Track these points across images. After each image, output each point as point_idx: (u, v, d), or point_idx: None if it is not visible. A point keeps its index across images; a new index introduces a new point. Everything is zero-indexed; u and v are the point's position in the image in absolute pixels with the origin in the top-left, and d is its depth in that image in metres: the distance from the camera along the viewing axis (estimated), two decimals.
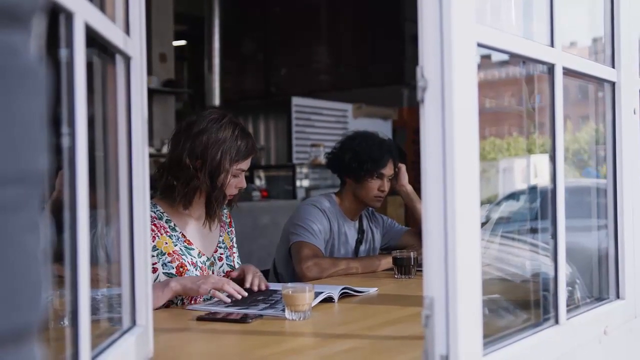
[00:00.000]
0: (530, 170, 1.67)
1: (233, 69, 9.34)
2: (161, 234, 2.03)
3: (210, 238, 2.16)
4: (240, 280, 2.10)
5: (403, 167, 2.78)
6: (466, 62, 1.05)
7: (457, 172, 1.01)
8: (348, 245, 2.72)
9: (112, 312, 1.25)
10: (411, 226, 2.97)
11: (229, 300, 1.84)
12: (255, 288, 2.03)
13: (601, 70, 1.62)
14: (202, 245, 2.12)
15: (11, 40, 0.54)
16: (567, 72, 1.40)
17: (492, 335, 1.17)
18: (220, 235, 2.20)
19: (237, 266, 2.23)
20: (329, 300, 1.89)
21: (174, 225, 2.07)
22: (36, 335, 0.57)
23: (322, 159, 6.45)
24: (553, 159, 1.37)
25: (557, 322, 1.35)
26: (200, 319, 1.70)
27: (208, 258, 2.12)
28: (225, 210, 2.26)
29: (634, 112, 1.70)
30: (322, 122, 7.42)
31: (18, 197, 0.54)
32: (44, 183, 0.58)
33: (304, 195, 6.42)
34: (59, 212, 0.87)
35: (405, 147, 7.15)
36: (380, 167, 2.64)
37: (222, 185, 2.04)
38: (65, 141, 0.84)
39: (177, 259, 2.02)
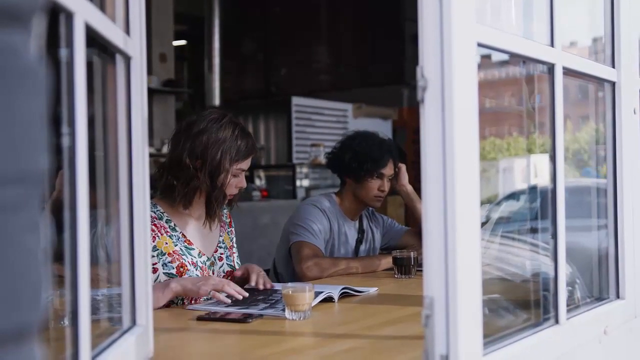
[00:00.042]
0: (530, 170, 1.67)
1: (233, 68, 9.34)
2: (161, 234, 2.03)
3: (210, 238, 2.16)
4: (243, 280, 2.10)
5: (403, 167, 2.78)
6: (466, 62, 1.05)
7: (457, 172, 1.01)
8: (348, 245, 2.72)
9: (112, 311, 1.25)
10: (411, 226, 2.97)
11: (229, 301, 1.84)
12: (261, 287, 2.03)
13: (601, 70, 1.62)
14: (202, 245, 2.12)
15: (11, 40, 0.54)
16: (567, 71, 1.40)
17: (492, 335, 1.17)
18: (220, 235, 2.20)
19: (237, 266, 2.23)
20: (329, 300, 1.89)
21: (174, 225, 2.07)
22: (36, 335, 0.57)
23: (322, 159, 6.45)
24: (553, 158, 1.37)
25: (557, 321, 1.35)
26: (200, 318, 1.70)
27: (208, 258, 2.12)
28: (225, 210, 2.26)
29: (634, 112, 1.70)
30: (322, 122, 7.42)
31: (18, 197, 0.54)
32: (44, 183, 0.58)
33: (304, 195, 6.42)
34: (59, 212, 0.87)
35: (405, 147, 7.15)
36: (381, 167, 2.64)
37: (222, 185, 2.04)
38: (65, 141, 0.84)
39: (177, 259, 2.02)
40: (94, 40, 0.97)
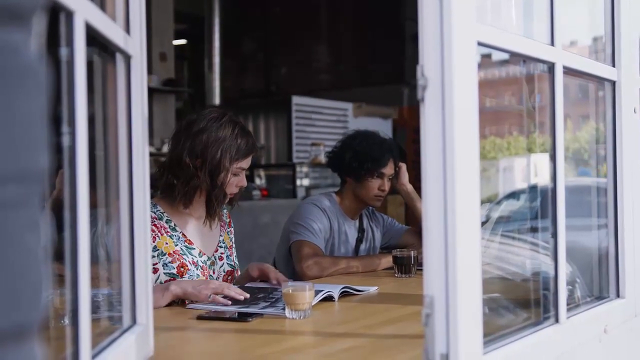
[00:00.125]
0: (530, 169, 1.67)
1: (233, 68, 9.35)
2: (161, 234, 2.03)
3: (210, 238, 2.16)
4: (250, 280, 2.11)
5: (403, 166, 2.78)
6: (466, 61, 1.05)
7: (457, 171, 1.01)
8: (348, 244, 2.72)
9: (112, 310, 1.25)
10: (411, 225, 2.97)
11: (229, 303, 1.84)
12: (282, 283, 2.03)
13: (601, 69, 1.62)
14: (203, 245, 2.12)
15: (12, 38, 0.54)
16: (568, 71, 1.40)
17: (493, 334, 1.17)
18: (221, 235, 2.20)
19: (235, 266, 2.23)
20: (329, 299, 1.90)
21: (174, 225, 2.07)
22: (37, 334, 0.57)
23: (323, 158, 6.45)
24: (553, 158, 1.37)
25: (557, 320, 1.35)
26: (200, 317, 1.71)
27: (209, 257, 2.12)
28: (225, 210, 2.26)
29: (634, 111, 1.70)
30: (323, 121, 7.42)
31: (18, 196, 0.54)
32: (45, 182, 0.58)
33: (304, 194, 6.42)
34: (60, 211, 0.87)
35: (406, 146, 7.15)
36: (381, 166, 2.64)
37: (222, 184, 2.04)
38: (65, 140, 0.84)
39: (177, 259, 2.02)
40: (94, 39, 0.97)
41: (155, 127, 6.85)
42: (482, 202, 1.13)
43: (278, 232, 2.83)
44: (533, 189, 1.64)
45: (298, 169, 6.61)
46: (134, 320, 1.20)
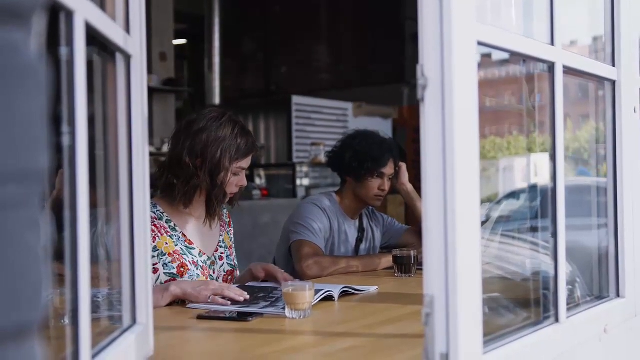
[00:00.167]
0: (530, 169, 1.67)
1: (233, 67, 9.35)
2: (161, 235, 2.03)
3: (210, 237, 2.16)
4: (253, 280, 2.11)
5: (403, 165, 2.78)
6: (466, 61, 1.05)
7: (457, 170, 1.01)
8: (348, 243, 2.72)
9: (112, 310, 1.25)
10: (411, 225, 2.97)
11: (229, 303, 1.84)
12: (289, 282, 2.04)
13: (601, 69, 1.62)
14: (203, 245, 2.12)
15: (12, 38, 0.54)
16: (568, 70, 1.40)
17: (493, 334, 1.17)
18: (221, 235, 2.20)
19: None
20: (329, 298, 1.90)
21: (174, 225, 2.07)
22: (37, 333, 0.57)
23: (323, 158, 6.45)
24: (553, 157, 1.37)
25: (557, 320, 1.35)
26: (200, 317, 1.71)
27: (209, 257, 2.12)
28: (225, 210, 2.26)
29: (634, 111, 1.70)
30: (323, 121, 7.42)
31: (18, 195, 0.54)
32: (45, 181, 0.58)
33: (304, 194, 6.42)
34: (60, 211, 0.87)
35: (406, 146, 7.15)
36: (381, 166, 2.64)
37: (222, 183, 2.04)
38: (65, 140, 0.84)
39: (177, 259, 2.02)
40: (94, 38, 0.97)
41: (155, 127, 6.86)
42: (482, 202, 1.13)
43: (278, 231, 2.83)
44: (533, 188, 1.64)
45: (298, 168, 6.61)
46: (134, 320, 1.20)
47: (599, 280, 1.70)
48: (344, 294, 1.98)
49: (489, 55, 1.30)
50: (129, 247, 1.18)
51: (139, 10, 1.20)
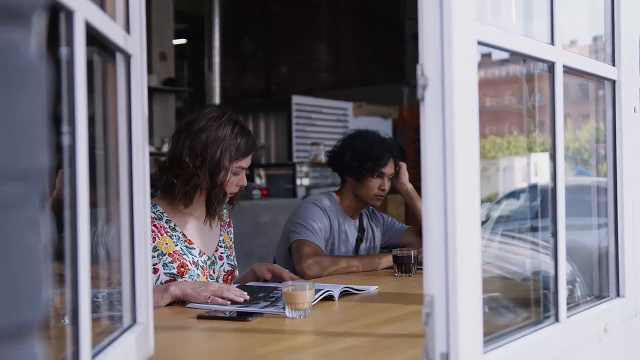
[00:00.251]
0: (530, 168, 1.67)
1: (233, 67, 9.35)
2: (161, 235, 2.02)
3: (210, 237, 2.16)
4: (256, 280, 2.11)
5: (404, 165, 2.78)
6: (466, 60, 1.05)
7: (457, 170, 1.01)
8: (348, 243, 2.72)
9: (112, 310, 1.25)
10: (411, 224, 2.97)
11: (228, 303, 1.84)
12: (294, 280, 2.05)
13: (601, 69, 1.62)
14: (203, 245, 2.12)
15: (12, 37, 0.54)
16: (568, 70, 1.40)
17: (493, 333, 1.17)
18: (221, 235, 2.20)
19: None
20: (329, 298, 1.90)
21: (174, 225, 2.07)
22: (37, 333, 0.57)
23: (323, 158, 6.45)
24: (553, 157, 1.37)
25: (557, 320, 1.35)
26: (200, 317, 1.71)
27: (209, 257, 2.12)
28: (224, 210, 2.26)
29: (634, 110, 1.70)
30: (323, 121, 7.42)
31: (18, 194, 0.54)
32: (45, 180, 0.58)
33: (304, 193, 6.42)
34: (60, 211, 0.87)
35: (406, 145, 7.15)
36: (381, 166, 2.64)
37: (222, 183, 2.04)
38: (65, 140, 0.84)
39: (177, 259, 2.02)
40: (94, 38, 0.97)
41: (155, 127, 6.86)
42: (482, 202, 1.13)
43: (278, 231, 2.83)
44: (533, 188, 1.64)
45: (298, 168, 6.61)
46: (134, 320, 1.20)
47: (599, 279, 1.70)
48: (344, 293, 1.98)
49: (489, 55, 1.30)
50: (129, 246, 1.18)
51: (139, 10, 1.20)
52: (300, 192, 6.49)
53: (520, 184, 1.88)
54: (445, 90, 1.01)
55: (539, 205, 1.56)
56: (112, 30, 1.04)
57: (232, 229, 2.28)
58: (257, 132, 7.60)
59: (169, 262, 2.00)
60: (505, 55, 1.37)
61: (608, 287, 1.66)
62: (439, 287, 1.02)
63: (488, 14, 1.38)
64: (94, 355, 0.93)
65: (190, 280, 2.01)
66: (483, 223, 1.39)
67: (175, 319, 1.74)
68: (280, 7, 9.22)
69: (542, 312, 1.39)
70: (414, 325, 1.50)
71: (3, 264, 0.53)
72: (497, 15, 1.51)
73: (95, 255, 1.09)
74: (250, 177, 6.34)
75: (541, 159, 1.52)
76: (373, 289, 2.10)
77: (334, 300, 1.90)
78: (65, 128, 0.84)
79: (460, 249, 1.01)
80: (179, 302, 1.90)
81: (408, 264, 2.38)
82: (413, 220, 3.05)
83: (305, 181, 6.65)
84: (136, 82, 1.19)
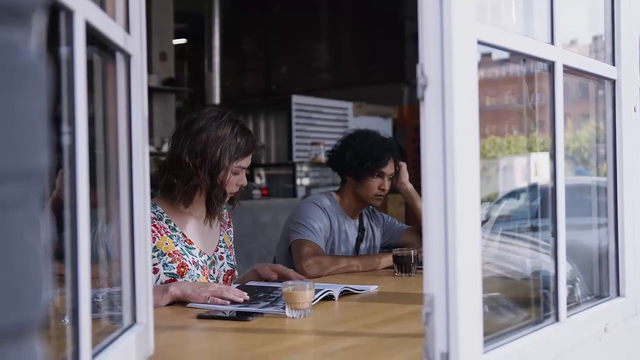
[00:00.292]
0: (530, 168, 1.67)
1: (233, 67, 9.35)
2: (161, 235, 2.02)
3: (210, 237, 2.16)
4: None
5: (404, 165, 2.78)
6: (466, 60, 1.05)
7: (457, 170, 1.01)
8: (348, 243, 2.72)
9: (112, 310, 1.25)
10: (411, 224, 2.97)
11: (228, 303, 1.83)
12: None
13: (601, 68, 1.62)
14: (203, 245, 2.12)
15: (12, 37, 0.54)
16: (568, 69, 1.40)
17: (493, 333, 1.17)
18: (221, 235, 2.20)
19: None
20: (329, 298, 1.90)
21: (174, 225, 2.07)
22: (37, 333, 0.57)
23: (323, 158, 6.45)
24: (553, 157, 1.37)
25: (557, 319, 1.35)
26: (200, 316, 1.71)
27: (209, 257, 2.12)
28: (225, 210, 2.26)
29: (634, 110, 1.70)
30: (323, 121, 7.42)
31: (18, 195, 0.54)
32: (45, 180, 0.58)
33: (304, 193, 6.42)
34: (60, 211, 0.87)
35: (406, 145, 7.15)
36: (381, 165, 2.64)
37: (221, 182, 2.04)
38: (65, 139, 0.84)
39: (177, 259, 2.02)
40: (94, 38, 0.97)
41: (155, 127, 6.86)
42: (482, 201, 1.13)
43: (278, 231, 2.83)
44: (533, 188, 1.64)
45: (298, 168, 6.61)
46: (134, 320, 1.20)
47: (599, 279, 1.70)
48: (344, 293, 1.98)
49: (489, 55, 1.30)
50: (129, 246, 1.18)
51: (139, 10, 1.20)
52: (301, 192, 6.50)
53: (520, 183, 1.88)
54: (445, 90, 1.01)
55: (539, 205, 1.56)
56: (112, 30, 1.04)
57: (232, 229, 2.28)
58: (257, 132, 7.60)
59: (169, 262, 2.00)
60: (505, 54, 1.37)
61: (608, 286, 1.66)
62: (439, 286, 1.02)
63: (488, 13, 1.38)
64: (94, 355, 0.93)
65: (190, 280, 2.01)
66: (483, 223, 1.39)
67: (175, 319, 1.74)
68: (280, 7, 9.22)
69: (542, 311, 1.39)
70: (414, 324, 1.50)
71: (3, 263, 0.53)
72: (497, 14, 1.51)
73: (96, 255, 1.09)
74: (250, 177, 6.35)
75: (541, 159, 1.52)
76: (373, 288, 2.10)
77: (334, 300, 1.90)
78: (65, 128, 0.84)
79: (460, 249, 1.01)
80: (179, 301, 1.90)
81: (408, 263, 2.38)
82: (413, 220, 3.05)
83: (305, 181, 6.65)
84: (136, 82, 1.19)
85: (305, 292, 1.67)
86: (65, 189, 0.85)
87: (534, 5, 1.65)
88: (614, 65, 1.65)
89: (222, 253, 2.17)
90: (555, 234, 1.36)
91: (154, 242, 1.99)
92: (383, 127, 6.93)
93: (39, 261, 0.57)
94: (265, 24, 9.43)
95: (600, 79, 1.66)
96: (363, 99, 7.71)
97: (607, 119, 1.67)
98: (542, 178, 1.52)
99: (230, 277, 2.18)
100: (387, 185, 2.67)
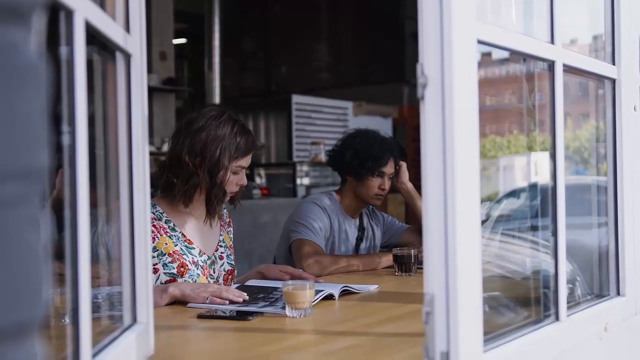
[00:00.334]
0: (530, 167, 1.67)
1: (233, 67, 9.35)
2: (161, 235, 2.02)
3: (210, 237, 2.16)
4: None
5: (404, 164, 2.78)
6: (466, 59, 1.05)
7: (457, 169, 1.01)
8: (348, 242, 2.72)
9: (112, 309, 1.25)
10: (412, 224, 2.97)
11: (227, 303, 1.83)
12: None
13: (601, 67, 1.62)
14: (203, 244, 2.12)
15: (12, 37, 0.54)
16: (568, 69, 1.40)
17: (493, 332, 1.17)
18: (221, 235, 2.20)
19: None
20: (329, 297, 1.90)
21: (174, 225, 2.07)
22: (37, 332, 0.57)
23: (323, 157, 6.45)
24: (553, 156, 1.37)
25: (557, 319, 1.35)
26: (200, 316, 1.71)
27: (209, 257, 2.12)
28: (224, 210, 2.26)
29: (634, 109, 1.70)
30: (323, 120, 7.42)
31: (18, 194, 0.54)
32: (45, 179, 0.58)
33: (304, 193, 6.43)
34: (60, 210, 0.87)
35: (406, 144, 7.15)
36: (381, 165, 2.64)
37: (221, 182, 2.04)
38: (65, 139, 0.84)
39: (177, 259, 2.02)
40: (94, 38, 0.97)
41: (155, 127, 6.86)
42: (483, 201, 1.13)
43: (278, 231, 2.83)
44: (533, 187, 1.64)
45: (298, 167, 6.61)
46: (134, 319, 1.20)
47: (599, 278, 1.70)
48: (344, 292, 1.98)
49: (489, 54, 1.30)
50: (129, 246, 1.18)
51: (139, 10, 1.20)
52: (301, 192, 6.50)
53: (520, 183, 1.88)
54: (445, 89, 1.01)
55: (539, 204, 1.56)
56: (112, 29, 1.04)
57: (232, 229, 2.28)
58: (257, 131, 7.60)
59: (169, 262, 2.00)
60: (506, 54, 1.37)
61: (608, 285, 1.66)
62: (439, 286, 1.02)
63: (488, 13, 1.38)
64: (95, 355, 0.93)
65: (190, 280, 2.01)
66: (483, 222, 1.39)
67: (175, 318, 1.74)
68: (280, 7, 9.22)
69: (542, 311, 1.39)
70: (414, 324, 1.50)
71: (3, 263, 0.53)
72: (497, 14, 1.51)
73: (96, 254, 1.09)
74: (250, 177, 6.35)
75: (541, 158, 1.52)
76: (373, 288, 2.10)
77: (334, 299, 1.90)
78: (65, 128, 0.84)
79: (460, 248, 1.01)
80: (179, 301, 1.90)
81: (408, 263, 2.38)
82: (413, 219, 3.05)
83: (306, 180, 6.65)
84: (136, 81, 1.19)
85: (305, 292, 1.67)
86: (65, 188, 0.85)
87: (534, 4, 1.65)
88: (614, 64, 1.65)
89: (222, 253, 2.17)
90: (555, 234, 1.36)
91: (153, 242, 1.99)
92: (383, 126, 6.92)
93: (39, 261, 0.57)
94: (265, 24, 9.43)
95: (600, 78, 1.66)
96: (363, 98, 7.72)
97: (607, 118, 1.67)
98: (542, 177, 1.52)
99: (230, 277, 2.18)
100: (387, 184, 2.67)
